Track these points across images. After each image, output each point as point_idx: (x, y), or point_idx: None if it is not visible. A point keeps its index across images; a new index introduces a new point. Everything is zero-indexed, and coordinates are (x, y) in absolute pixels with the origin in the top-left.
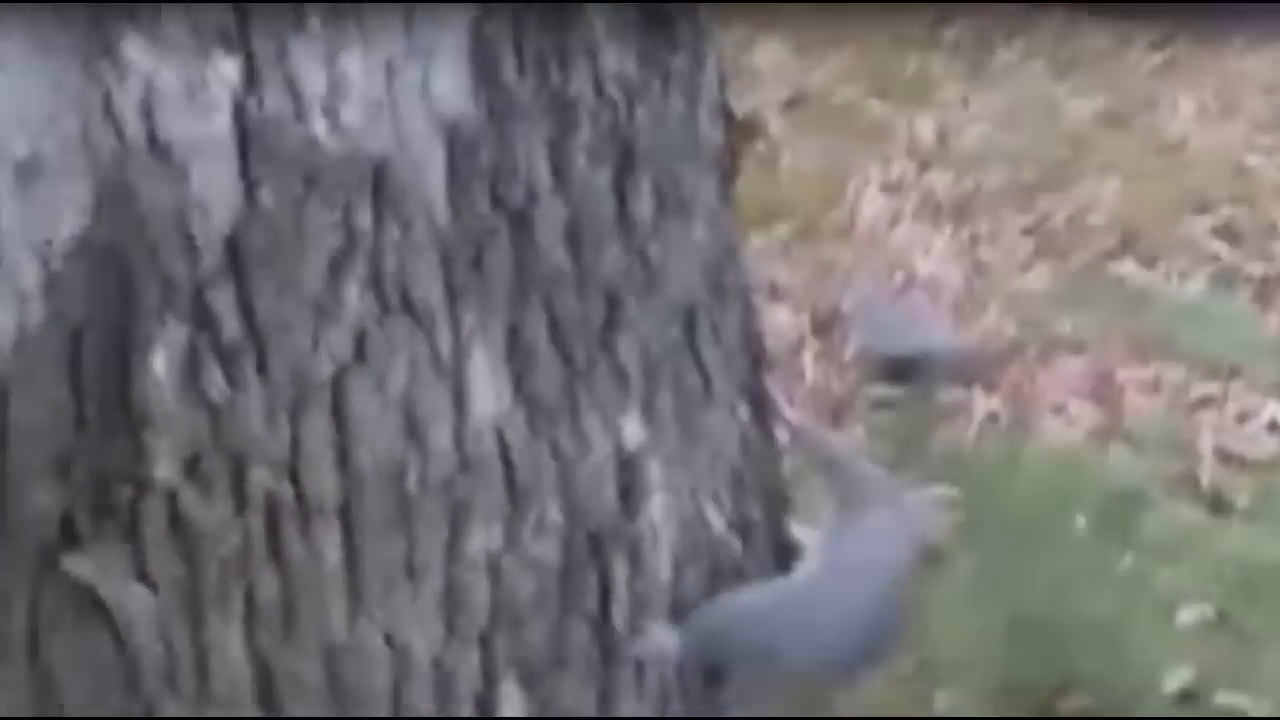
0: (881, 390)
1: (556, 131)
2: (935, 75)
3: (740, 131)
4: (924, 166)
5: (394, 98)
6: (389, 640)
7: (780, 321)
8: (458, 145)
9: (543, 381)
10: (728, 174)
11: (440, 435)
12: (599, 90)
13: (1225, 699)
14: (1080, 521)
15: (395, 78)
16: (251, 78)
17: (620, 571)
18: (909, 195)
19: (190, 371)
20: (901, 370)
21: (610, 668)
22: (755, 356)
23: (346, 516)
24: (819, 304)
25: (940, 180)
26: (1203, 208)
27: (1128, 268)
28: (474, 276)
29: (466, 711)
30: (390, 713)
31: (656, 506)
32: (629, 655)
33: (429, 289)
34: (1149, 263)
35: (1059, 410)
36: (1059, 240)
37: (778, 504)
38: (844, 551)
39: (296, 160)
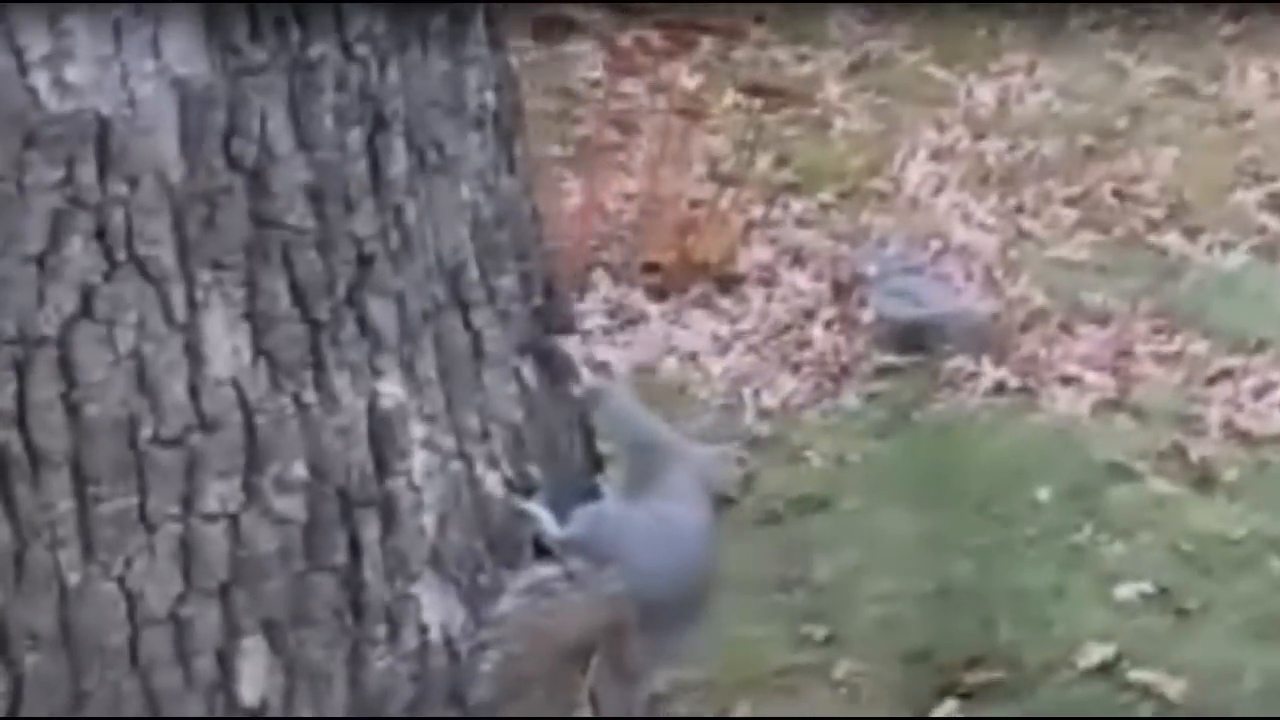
0: (890, 357)
1: (297, 92)
2: (1003, 43)
3: (771, 95)
4: (979, 134)
5: (122, 57)
6: (124, 590)
7: (799, 286)
8: (190, 105)
9: (284, 340)
10: (509, 133)
11: (175, 390)
12: (346, 51)
13: (1139, 675)
14: (1043, 493)
15: (124, 37)
16: None
17: (371, 529)
18: (959, 162)
19: None
20: (913, 337)
21: (362, 625)
22: (544, 316)
23: (77, 467)
24: (840, 270)
25: (993, 148)
26: (1256, 179)
27: (1171, 238)
28: (208, 234)
29: (206, 663)
30: (129, 661)
31: (417, 465)
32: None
33: (160, 246)
34: (1192, 234)
35: (1070, 381)
36: (1103, 210)
37: (569, 462)
38: (648, 509)
39: (17, 118)
